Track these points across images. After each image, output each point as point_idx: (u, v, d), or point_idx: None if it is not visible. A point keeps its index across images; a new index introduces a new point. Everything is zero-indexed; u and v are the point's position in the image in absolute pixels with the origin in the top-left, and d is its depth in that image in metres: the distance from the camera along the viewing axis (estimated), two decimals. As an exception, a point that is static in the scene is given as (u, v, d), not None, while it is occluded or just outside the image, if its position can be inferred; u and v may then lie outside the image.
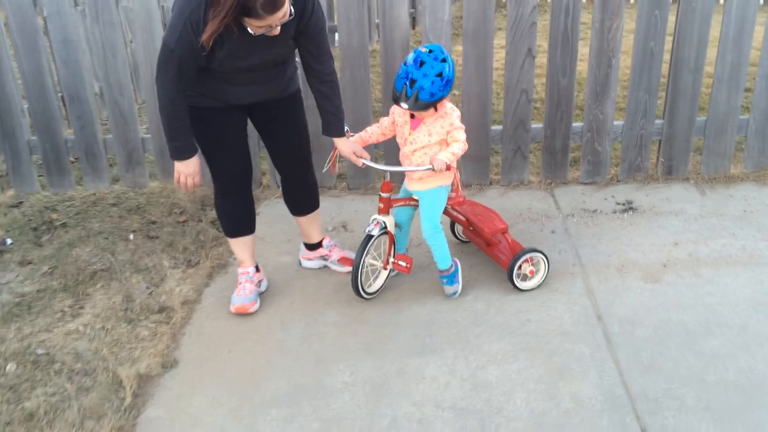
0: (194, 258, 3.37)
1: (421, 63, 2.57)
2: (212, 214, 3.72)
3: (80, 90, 3.91)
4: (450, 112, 2.72)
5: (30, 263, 3.39)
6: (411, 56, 2.61)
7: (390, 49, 3.79)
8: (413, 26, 7.71)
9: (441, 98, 2.61)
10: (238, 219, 2.97)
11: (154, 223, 3.73)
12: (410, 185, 2.90)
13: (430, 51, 2.60)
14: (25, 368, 2.60)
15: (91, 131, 4.01)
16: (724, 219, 3.51)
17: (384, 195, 2.83)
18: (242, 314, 2.89)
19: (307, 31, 2.57)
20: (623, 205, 3.72)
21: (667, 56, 3.75)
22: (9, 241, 3.61)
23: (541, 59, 4.32)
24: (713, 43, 3.71)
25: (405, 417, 2.30)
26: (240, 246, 3.00)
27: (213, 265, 3.29)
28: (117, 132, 4.02)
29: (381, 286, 2.97)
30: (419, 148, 2.75)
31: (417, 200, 2.90)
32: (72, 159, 4.19)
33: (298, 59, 2.82)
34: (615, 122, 3.92)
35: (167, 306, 2.97)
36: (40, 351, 2.69)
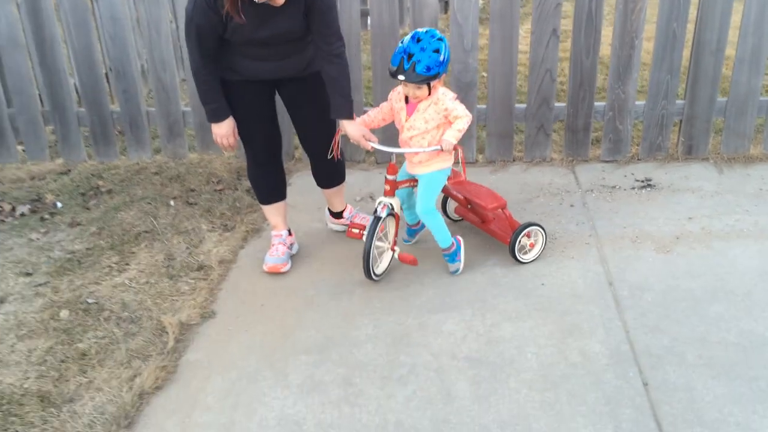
0: (230, 223, 3.59)
1: (418, 40, 2.65)
2: (247, 183, 3.93)
3: (126, 65, 4.15)
4: (442, 97, 2.77)
5: (79, 224, 3.65)
6: (407, 36, 2.70)
7: (419, 27, 3.94)
8: (444, 11, 7.83)
9: (437, 74, 2.66)
10: (269, 187, 3.16)
11: (193, 190, 3.96)
12: (412, 168, 2.96)
13: (427, 31, 2.70)
14: (77, 315, 2.84)
15: (135, 104, 4.25)
16: (739, 196, 3.61)
17: (390, 177, 2.91)
18: (274, 273, 3.10)
19: (314, 7, 2.65)
20: (642, 182, 3.84)
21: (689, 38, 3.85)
22: (59, 204, 3.88)
23: (565, 41, 4.43)
24: (734, 26, 3.79)
25: (423, 365, 2.49)
26: (272, 212, 3.21)
27: (247, 230, 3.50)
28: (159, 105, 4.25)
29: (387, 267, 3.04)
30: (416, 135, 2.82)
31: (417, 181, 2.99)
32: (117, 130, 4.44)
33: None
34: (637, 102, 4.03)
35: (205, 264, 3.20)
36: (90, 300, 2.94)
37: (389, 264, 3.06)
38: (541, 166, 4.13)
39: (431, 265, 3.10)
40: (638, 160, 4.11)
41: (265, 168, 3.12)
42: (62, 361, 2.56)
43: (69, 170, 4.30)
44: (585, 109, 4.05)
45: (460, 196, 3.22)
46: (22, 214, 3.79)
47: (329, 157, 3.02)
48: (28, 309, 2.90)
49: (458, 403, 2.31)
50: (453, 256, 3.02)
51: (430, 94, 2.75)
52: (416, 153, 2.84)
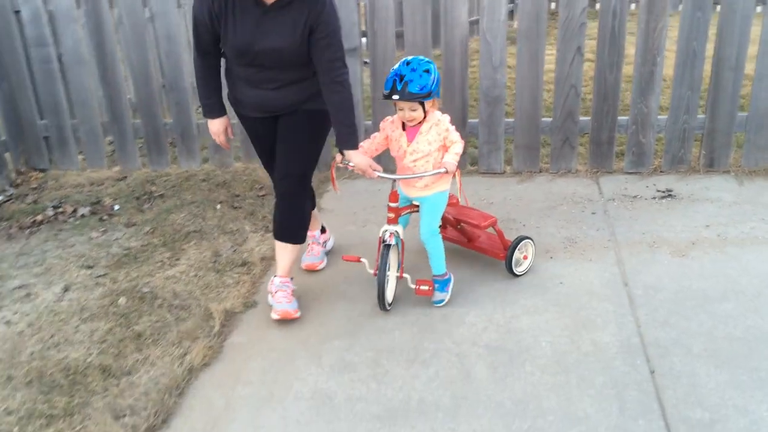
0: (270, 225, 3.86)
1: (408, 63, 2.76)
2: (288, 189, 4.23)
3: (179, 80, 4.51)
4: (443, 118, 2.85)
5: (134, 225, 3.98)
6: (398, 62, 2.80)
7: (450, 45, 4.22)
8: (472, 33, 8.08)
9: (430, 93, 2.72)
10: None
11: (237, 196, 4.27)
12: (411, 192, 2.98)
13: (416, 57, 2.82)
14: (134, 302, 3.14)
15: (186, 117, 4.60)
16: (757, 206, 3.75)
17: (392, 205, 2.91)
18: (311, 270, 3.35)
19: (318, 28, 2.61)
20: (663, 192, 4.01)
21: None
22: (116, 207, 4.22)
23: (589, 57, 4.64)
24: (754, 42, 3.96)
25: (445, 350, 2.71)
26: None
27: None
28: (208, 117, 4.58)
29: (393, 295, 3.04)
30: (421, 158, 2.85)
31: (418, 206, 3.01)
32: (169, 141, 4.79)
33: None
34: (659, 116, 4.21)
35: (248, 261, 3.48)
36: (145, 289, 3.24)
37: (395, 292, 3.05)
38: (566, 177, 4.33)
39: (455, 264, 3.32)
40: (661, 172, 4.28)
41: None
42: (120, 341, 2.85)
43: (125, 177, 4.66)
44: (609, 123, 4.25)
45: (451, 218, 3.24)
46: (83, 215, 4.14)
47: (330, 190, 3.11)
48: (90, 296, 3.22)
49: (476, 383, 2.52)
50: (443, 285, 3.03)
51: (425, 116, 2.81)
52: (420, 178, 2.88)
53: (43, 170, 4.81)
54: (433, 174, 2.84)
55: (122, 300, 3.15)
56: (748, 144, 4.19)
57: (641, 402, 2.37)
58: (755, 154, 4.20)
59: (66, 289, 3.30)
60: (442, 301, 3.01)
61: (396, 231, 2.92)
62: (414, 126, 2.85)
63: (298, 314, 2.93)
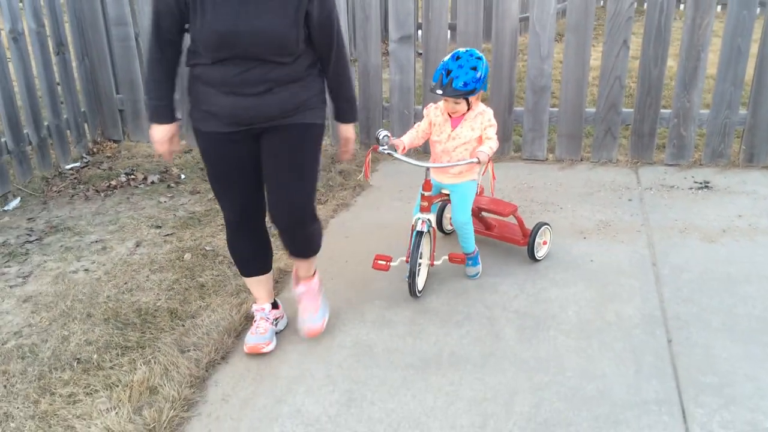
0: (323, 198, 4.16)
1: (458, 58, 2.83)
2: (340, 166, 4.52)
3: (244, 61, 4.82)
4: (486, 110, 2.95)
5: (198, 192, 4.32)
6: (448, 55, 2.89)
7: (500, 35, 4.42)
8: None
9: (474, 89, 2.82)
10: (247, 258, 2.72)
11: (293, 171, 4.57)
12: (444, 179, 3.05)
13: (467, 51, 2.88)
14: (198, 258, 3.47)
15: (249, 96, 4.92)
16: (792, 200, 3.86)
17: (426, 194, 2.96)
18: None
19: (314, 10, 2.27)
20: (700, 183, 4.14)
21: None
22: (183, 176, 4.58)
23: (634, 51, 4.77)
24: (799, 41, 4.04)
25: (477, 314, 2.94)
26: (254, 284, 2.78)
27: (338, 204, 4.06)
28: (269, 97, 4.90)
29: (424, 284, 3.10)
30: (461, 144, 2.96)
31: (448, 195, 3.10)
32: (232, 118, 5.12)
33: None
34: (701, 111, 4.33)
35: (301, 228, 3.77)
36: (208, 248, 3.57)
37: (425, 280, 3.12)
38: (607, 166, 4.49)
39: (492, 240, 3.54)
40: (700, 165, 4.40)
41: (240, 234, 2.68)
42: (186, 290, 3.18)
43: (190, 150, 5.01)
44: (651, 116, 4.39)
45: (474, 207, 3.27)
46: (153, 182, 4.51)
47: (360, 177, 3.05)
48: (159, 251, 3.56)
49: (504, 342, 2.75)
50: (475, 259, 3.19)
51: (469, 109, 2.92)
52: (454, 166, 2.96)
53: (116, 141, 5.21)
54: (466, 163, 2.90)
55: (187, 256, 3.49)
56: (789, 141, 4.28)
57: (656, 366, 2.56)
58: (796, 150, 4.28)
59: (138, 245, 3.66)
60: (477, 274, 3.20)
61: (428, 219, 2.97)
62: (458, 116, 2.96)
63: (320, 325, 2.79)
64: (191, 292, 3.15)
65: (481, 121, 2.94)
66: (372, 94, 4.78)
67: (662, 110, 4.38)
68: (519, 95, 4.96)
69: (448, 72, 2.81)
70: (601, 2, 8.88)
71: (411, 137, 3.06)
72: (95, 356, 2.69)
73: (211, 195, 4.21)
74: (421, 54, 4.83)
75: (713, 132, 4.34)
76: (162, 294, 3.14)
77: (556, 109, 4.55)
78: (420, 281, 3.04)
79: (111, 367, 2.62)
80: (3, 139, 4.31)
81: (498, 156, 4.70)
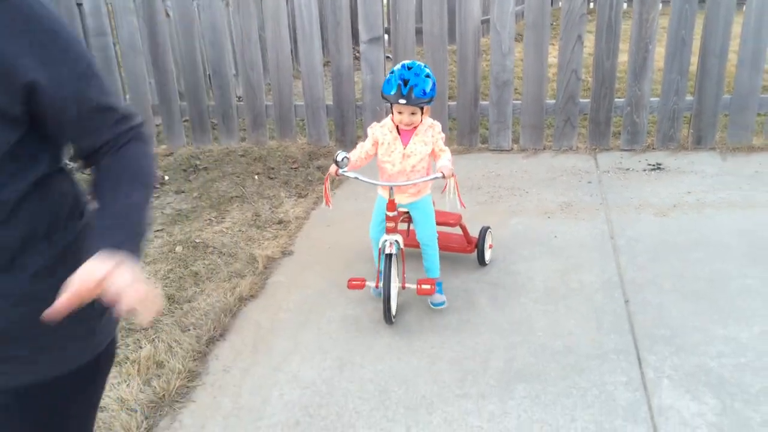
0: (303, 192, 4.39)
1: (409, 68, 2.75)
2: (318, 162, 4.76)
3: (222, 66, 5.05)
4: (434, 123, 2.90)
5: (183, 192, 4.52)
6: (396, 66, 2.79)
7: (464, 35, 4.72)
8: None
9: (431, 98, 2.76)
10: None
11: (272, 168, 4.80)
12: (403, 199, 2.94)
13: (413, 62, 2.81)
14: (188, 249, 3.68)
15: (227, 99, 5.14)
16: (736, 177, 4.21)
17: (391, 214, 2.85)
18: (340, 228, 3.84)
19: (46, 76, 1.14)
20: (653, 165, 4.48)
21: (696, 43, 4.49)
22: (167, 177, 4.78)
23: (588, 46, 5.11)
24: (736, 36, 4.40)
25: (453, 287, 3.20)
26: None
27: (317, 196, 4.30)
28: (247, 100, 5.13)
29: (396, 306, 2.96)
30: (418, 161, 2.87)
31: (407, 212, 3.03)
32: (212, 121, 5.34)
33: None
34: (651, 99, 4.67)
35: (285, 219, 4.00)
36: (197, 240, 3.78)
37: (397, 303, 2.98)
38: (568, 153, 4.80)
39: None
40: (653, 149, 4.74)
41: None
42: (180, 278, 3.39)
43: (172, 153, 5.21)
44: (606, 105, 4.72)
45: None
46: (138, 184, 4.69)
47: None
48: (151, 246, 3.76)
49: (479, 309, 3.02)
50: (439, 286, 3.04)
51: (421, 121, 2.84)
52: (414, 184, 2.88)
53: (98, 147, 5.37)
54: (431, 179, 2.84)
55: (179, 248, 3.70)
56: (732, 124, 4.64)
57: (615, 323, 2.85)
58: (738, 132, 4.64)
59: (130, 241, 3.85)
60: (443, 303, 3.02)
61: (396, 240, 2.87)
62: (409, 129, 2.85)
63: None
64: (186, 280, 3.36)
65: (432, 134, 2.88)
66: (345, 95, 5.03)
67: (616, 99, 4.71)
68: (484, 91, 5.26)
69: (406, 81, 2.71)
70: (559, 3, 9.26)
71: (354, 158, 2.89)
72: (101, 339, 2.89)
73: (196, 194, 4.43)
74: (389, 57, 5.10)
75: (663, 118, 4.69)
76: (158, 282, 3.34)
77: (519, 102, 4.85)
78: (393, 305, 2.89)
79: (118, 347, 2.82)
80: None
81: (466, 147, 4.99)
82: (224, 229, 3.91)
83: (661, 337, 2.74)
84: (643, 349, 2.67)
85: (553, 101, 4.80)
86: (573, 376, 2.54)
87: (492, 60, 4.74)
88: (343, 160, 2.76)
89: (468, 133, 4.97)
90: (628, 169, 4.45)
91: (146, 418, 2.43)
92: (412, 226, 3.19)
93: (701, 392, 2.42)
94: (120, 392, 2.53)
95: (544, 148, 4.89)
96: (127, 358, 2.73)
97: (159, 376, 2.63)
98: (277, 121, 5.18)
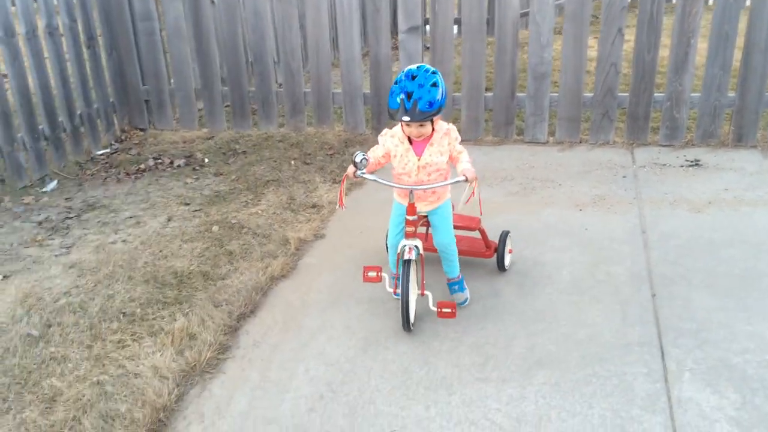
0: (338, 178, 4.47)
1: (413, 77, 2.56)
2: (353, 149, 4.83)
3: (263, 53, 5.15)
4: (450, 127, 2.75)
5: (222, 174, 4.64)
6: (401, 75, 2.61)
7: (503, 26, 4.72)
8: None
9: (440, 108, 2.58)
10: None
11: (309, 154, 4.89)
12: (422, 207, 2.85)
13: (418, 67, 2.62)
14: (225, 230, 3.79)
15: (267, 86, 5.24)
16: (776, 175, 4.14)
17: (411, 218, 2.74)
18: (371, 214, 3.91)
19: None
20: (691, 161, 4.42)
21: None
22: (206, 160, 4.91)
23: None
24: (783, 28, 4.31)
25: (479, 276, 3.24)
26: None
27: (351, 183, 4.37)
28: (286, 87, 5.23)
29: (414, 314, 2.83)
30: (434, 171, 2.74)
31: (426, 216, 2.92)
32: (252, 107, 5.45)
33: None
34: (692, 94, 4.60)
35: (318, 204, 4.09)
36: (233, 221, 3.89)
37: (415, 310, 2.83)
38: (604, 147, 4.77)
39: (499, 215, 3.83)
40: (692, 145, 4.68)
41: None
42: (215, 256, 3.50)
43: (212, 137, 5.35)
44: (646, 99, 4.67)
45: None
46: (179, 166, 4.84)
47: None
48: (189, 225, 3.88)
49: (503, 298, 3.05)
50: (462, 284, 3.01)
51: (433, 129, 2.70)
52: (434, 191, 2.80)
53: (143, 129, 5.55)
54: (453, 182, 2.71)
55: (215, 228, 3.81)
56: (776, 121, 4.55)
57: (640, 316, 2.86)
58: (782, 130, 4.55)
59: (169, 219, 3.98)
60: (466, 301, 2.99)
61: (415, 245, 2.74)
62: (422, 140, 2.72)
63: None
64: (220, 258, 3.47)
65: (448, 141, 2.73)
66: (383, 83, 5.07)
67: (656, 94, 4.66)
68: (521, 83, 5.25)
69: (409, 95, 2.54)
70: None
71: (371, 160, 2.77)
72: (138, 310, 3.02)
73: (234, 176, 4.54)
74: (428, 47, 5.13)
75: (704, 114, 4.62)
76: (194, 260, 3.46)
77: (556, 95, 4.84)
78: (412, 313, 2.78)
79: (153, 319, 2.94)
80: (41, 126, 4.64)
81: (501, 139, 5.00)
82: (259, 211, 4.01)
83: (686, 331, 2.74)
84: (666, 342, 2.67)
85: (591, 94, 4.77)
86: (593, 365, 2.56)
87: (530, 51, 4.73)
88: (362, 161, 2.66)
89: (504, 124, 4.97)
90: (665, 165, 4.40)
91: (177, 386, 2.54)
92: (430, 230, 3.06)
93: (723, 386, 2.42)
94: (154, 360, 2.64)
95: (581, 142, 4.87)
96: (162, 329, 2.85)
97: (191, 347, 2.73)
98: (315, 108, 5.26)
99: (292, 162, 4.76)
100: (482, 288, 3.13)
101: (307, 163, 4.73)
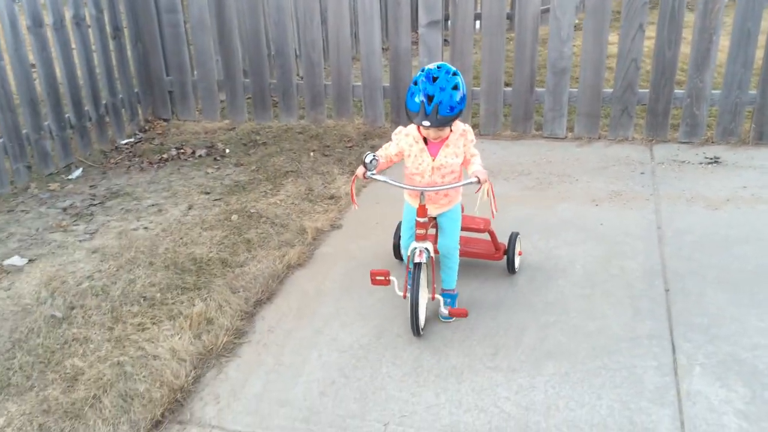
0: (356, 170, 4.51)
1: (434, 79, 2.49)
2: (372, 141, 4.87)
3: (284, 46, 5.21)
4: (466, 128, 2.69)
5: (242, 165, 4.72)
6: (420, 76, 2.53)
7: (523, 20, 4.73)
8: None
9: (460, 111, 2.53)
10: None
11: (328, 146, 4.95)
12: (432, 210, 2.77)
13: (439, 67, 2.55)
14: (244, 218, 3.86)
15: (288, 78, 5.31)
16: (796, 173, 4.11)
17: (422, 220, 2.65)
18: (388, 205, 3.95)
19: None
20: (710, 159, 4.40)
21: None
22: (227, 150, 4.98)
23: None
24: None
25: (493, 267, 3.27)
26: None
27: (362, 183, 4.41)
28: (307, 80, 5.28)
29: (425, 318, 2.80)
30: (449, 173, 2.68)
31: (435, 218, 2.84)
32: (273, 99, 5.52)
33: None
34: (713, 91, 4.58)
35: (336, 195, 4.14)
36: (252, 210, 3.95)
37: (425, 315, 2.81)
38: (623, 143, 4.77)
39: (514, 207, 3.85)
40: (712, 143, 4.66)
41: None
42: (234, 244, 3.57)
43: (234, 128, 5.42)
44: (666, 96, 4.65)
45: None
46: (200, 156, 4.92)
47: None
48: (209, 213, 3.96)
49: (517, 289, 3.08)
50: (454, 299, 2.91)
51: (450, 130, 2.66)
52: (446, 194, 2.74)
53: (166, 120, 5.64)
54: (465, 184, 2.64)
55: (234, 216, 3.88)
56: (797, 119, 4.51)
57: (652, 310, 2.87)
58: (804, 129, 4.51)
59: (189, 208, 4.06)
60: (451, 318, 2.85)
61: (426, 248, 2.66)
62: (438, 141, 2.66)
63: None
64: (239, 246, 3.54)
65: (464, 142, 2.67)
66: (402, 77, 5.11)
67: (676, 90, 4.64)
68: (540, 79, 5.25)
69: (430, 98, 2.47)
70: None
71: (381, 161, 2.71)
72: (158, 295, 3.09)
73: (254, 167, 4.61)
74: (447, 42, 5.15)
75: (724, 111, 4.59)
76: (213, 247, 3.53)
77: (575, 90, 4.84)
78: (422, 317, 2.74)
79: (173, 303, 3.02)
80: (67, 115, 4.75)
81: (520, 134, 5.01)
82: (278, 201, 4.08)
83: (698, 326, 2.75)
84: (677, 336, 2.69)
85: (611, 90, 4.76)
86: (603, 358, 2.59)
87: (550, 47, 4.74)
88: (371, 162, 2.60)
89: (522, 119, 4.98)
90: (683, 162, 4.39)
91: (195, 368, 2.61)
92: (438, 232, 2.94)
93: (732, 381, 2.43)
94: (172, 343, 2.71)
95: (599, 138, 4.87)
96: (180, 314, 2.92)
97: (209, 331, 2.80)
98: (335, 101, 5.31)
99: (312, 153, 4.82)
100: (496, 279, 3.16)
101: (326, 155, 4.79)
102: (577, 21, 4.79)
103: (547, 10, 5.00)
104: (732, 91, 4.53)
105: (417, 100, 2.50)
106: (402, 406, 2.40)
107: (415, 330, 2.72)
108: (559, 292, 3.05)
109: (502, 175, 4.33)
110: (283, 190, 4.24)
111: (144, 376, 2.56)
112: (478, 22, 5.96)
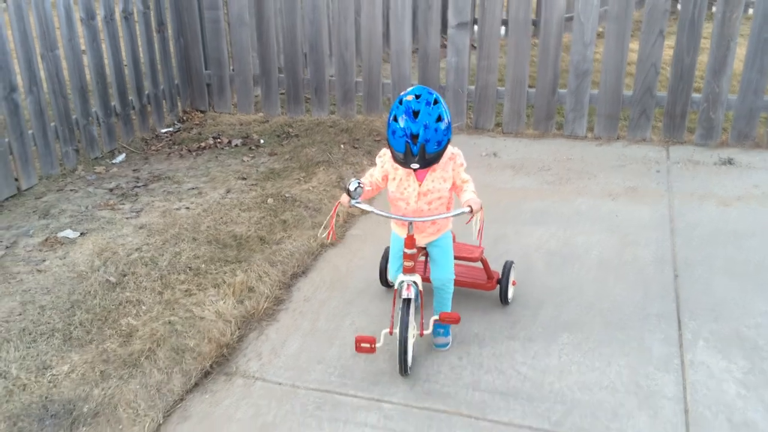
0: (371, 165, 4.75)
1: (415, 113, 2.32)
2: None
3: (318, 43, 5.48)
4: (456, 151, 2.54)
5: (276, 154, 4.98)
6: (400, 110, 2.34)
7: (548, 24, 4.95)
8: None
9: (448, 141, 2.41)
10: None
11: (357, 140, 5.20)
12: (421, 240, 2.64)
13: (418, 97, 2.35)
14: (279, 202, 4.11)
15: (321, 74, 5.57)
16: (807, 175, 4.29)
17: (410, 252, 2.52)
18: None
19: None
20: (724, 160, 4.59)
21: (779, 43, 4.55)
22: (262, 141, 5.25)
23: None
24: (821, 34, 4.45)
25: (513, 251, 3.49)
26: None
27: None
28: (339, 76, 5.54)
29: (412, 356, 2.61)
30: (436, 199, 2.54)
31: (425, 247, 2.72)
32: (306, 95, 5.78)
33: None
34: (729, 96, 4.77)
35: (365, 184, 4.38)
36: (287, 195, 4.21)
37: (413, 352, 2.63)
38: (641, 144, 4.97)
39: (531, 200, 4.07)
40: (727, 145, 4.84)
41: None
42: (270, 224, 3.82)
43: (267, 120, 5.69)
44: (683, 99, 4.85)
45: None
46: (236, 145, 5.19)
47: (322, 235, 2.45)
48: (246, 197, 4.22)
49: (534, 273, 3.30)
50: (447, 329, 2.78)
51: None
52: (433, 222, 2.58)
53: (203, 111, 5.93)
54: (456, 214, 2.50)
55: (270, 200, 4.14)
56: (810, 125, 4.69)
57: (661, 293, 3.08)
58: (816, 134, 4.69)
59: (228, 191, 4.33)
60: (447, 344, 2.74)
61: (414, 282, 2.51)
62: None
63: None
64: (275, 226, 3.79)
65: (452, 166, 2.53)
66: (431, 75, 5.35)
67: (693, 95, 4.83)
68: (562, 83, 5.47)
69: (415, 137, 2.32)
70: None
71: (366, 189, 2.61)
72: (203, 266, 3.35)
73: (287, 156, 4.87)
74: (474, 47, 5.38)
75: (740, 115, 4.78)
76: (252, 226, 3.79)
77: (596, 92, 5.05)
78: (410, 356, 2.56)
79: (216, 273, 3.28)
80: (113, 103, 5.05)
81: (541, 132, 5.23)
82: (311, 188, 4.33)
83: (704, 307, 2.95)
84: (684, 315, 2.89)
85: (630, 93, 4.97)
86: (614, 331, 2.80)
87: (573, 50, 4.95)
88: (356, 189, 2.49)
89: (544, 119, 5.20)
90: (698, 162, 4.58)
91: (238, 328, 2.86)
92: (429, 262, 2.80)
93: (733, 353, 2.64)
94: (218, 307, 2.97)
95: (618, 138, 5.07)
96: (224, 282, 3.18)
97: (250, 298, 3.06)
98: (365, 97, 5.56)
99: (342, 146, 5.07)
100: (517, 263, 3.38)
101: (356, 147, 5.04)
102: (600, 29, 4.99)
103: (570, 18, 5.22)
104: (747, 96, 4.71)
105: (401, 140, 2.33)
106: (428, 368, 2.63)
107: (403, 369, 2.53)
108: (575, 275, 3.26)
109: (524, 170, 4.54)
110: (315, 178, 4.49)
111: (193, 334, 2.81)
112: (503, 28, 6.18)
